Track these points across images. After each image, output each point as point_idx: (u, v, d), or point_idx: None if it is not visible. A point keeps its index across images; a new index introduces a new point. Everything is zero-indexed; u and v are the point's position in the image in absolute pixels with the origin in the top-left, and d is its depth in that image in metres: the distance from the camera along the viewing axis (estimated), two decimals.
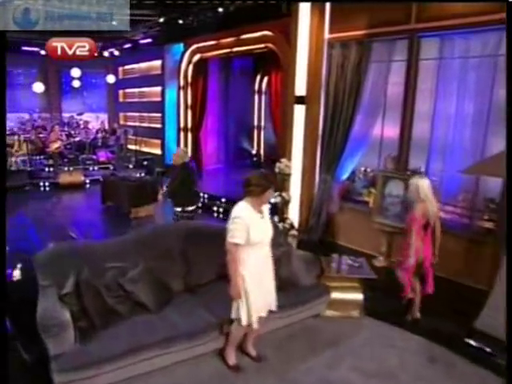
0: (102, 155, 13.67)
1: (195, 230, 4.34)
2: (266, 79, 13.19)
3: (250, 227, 3.16)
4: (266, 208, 3.41)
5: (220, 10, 9.35)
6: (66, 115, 16.61)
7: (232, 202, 8.54)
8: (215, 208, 9.03)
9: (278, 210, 6.69)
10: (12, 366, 3.41)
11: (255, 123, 13.74)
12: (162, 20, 10.91)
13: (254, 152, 13.78)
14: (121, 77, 16.23)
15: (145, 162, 13.20)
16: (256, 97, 13.52)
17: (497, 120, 5.00)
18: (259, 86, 13.42)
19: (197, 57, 11.32)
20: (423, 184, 4.28)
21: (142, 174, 11.95)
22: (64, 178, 11.51)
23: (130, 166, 13.39)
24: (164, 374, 3.38)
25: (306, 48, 6.75)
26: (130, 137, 14.81)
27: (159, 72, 13.27)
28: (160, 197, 6.41)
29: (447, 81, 5.71)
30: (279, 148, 9.38)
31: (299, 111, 6.98)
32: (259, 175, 3.32)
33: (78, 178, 11.72)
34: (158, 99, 13.46)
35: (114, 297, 3.49)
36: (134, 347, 3.15)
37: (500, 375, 3.44)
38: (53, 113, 16.61)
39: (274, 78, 12.38)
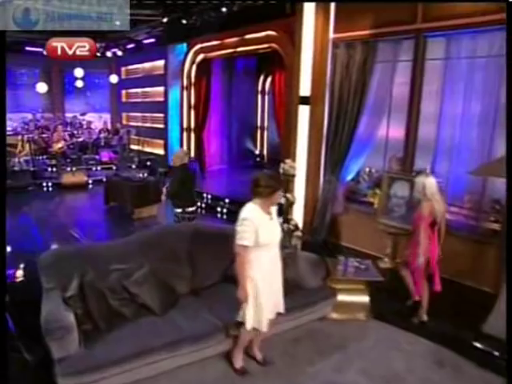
0: (105, 155, 13.66)
1: (200, 231, 4.30)
2: (269, 79, 13.17)
3: (258, 229, 3.12)
4: (274, 209, 3.36)
5: (223, 9, 9.33)
6: (68, 115, 16.62)
7: (235, 202, 8.68)
8: (219, 209, 8.99)
9: (283, 211, 6.65)
10: (15, 367, 3.40)
11: (258, 123, 13.71)
12: (165, 20, 10.90)
13: (257, 152, 13.75)
14: (124, 77, 16.21)
15: (148, 163, 13.19)
16: (259, 97, 13.49)
17: (504, 121, 4.93)
18: (262, 86, 13.40)
19: (200, 57, 11.27)
20: (430, 182, 4.26)
21: (145, 175, 11.93)
22: (67, 179, 11.52)
23: (133, 167, 13.38)
24: (169, 378, 3.35)
25: (310, 48, 6.70)
26: (132, 137, 14.81)
27: (162, 72, 13.24)
28: (163, 197, 6.39)
29: (454, 81, 5.66)
30: (283, 148, 9.34)
31: (303, 111, 6.93)
32: (268, 176, 3.27)
33: (81, 178, 11.72)
34: (161, 99, 13.44)
35: (119, 299, 3.45)
36: (139, 351, 3.11)
37: None
38: (56, 113, 16.62)
39: (277, 78, 12.34)
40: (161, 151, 13.88)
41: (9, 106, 14.79)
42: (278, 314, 3.43)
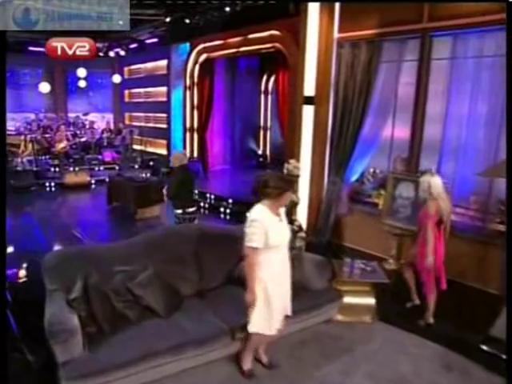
0: (108, 155, 13.64)
1: (205, 232, 4.26)
2: (272, 79, 13.13)
3: (268, 230, 3.07)
4: (282, 210, 3.32)
5: (227, 9, 9.30)
6: (71, 115, 16.62)
7: (238, 203, 8.64)
8: (222, 209, 8.95)
9: (287, 212, 6.60)
10: (17, 368, 3.39)
11: (261, 123, 13.67)
12: (168, 20, 10.88)
13: (260, 152, 13.71)
14: (126, 77, 16.19)
15: (150, 163, 13.16)
16: (262, 97, 13.45)
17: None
18: (265, 86, 13.36)
19: (203, 57, 11.26)
20: (435, 181, 4.23)
21: (148, 175, 11.91)
22: (70, 179, 11.51)
23: (136, 167, 13.35)
24: (174, 381, 3.31)
25: (314, 47, 6.65)
26: (135, 137, 14.79)
27: (165, 72, 13.23)
28: (166, 198, 6.38)
29: (460, 81, 5.60)
30: (286, 148, 9.31)
31: (308, 112, 6.89)
32: (277, 177, 3.23)
33: (84, 178, 11.71)
34: (164, 99, 13.42)
35: (123, 301, 3.41)
36: (143, 354, 3.07)
37: None
38: (58, 113, 16.62)
39: (281, 77, 12.31)
40: (164, 151, 13.87)
41: (12, 105, 14.93)
42: (286, 317, 3.38)
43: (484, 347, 3.94)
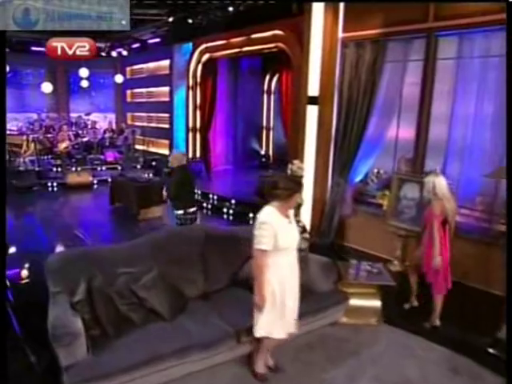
0: (110, 155, 13.62)
1: (210, 234, 4.21)
2: (275, 79, 13.10)
3: (277, 233, 3.03)
4: (291, 212, 3.27)
5: (230, 9, 9.26)
6: (73, 115, 16.61)
7: (241, 203, 8.59)
8: (225, 210, 8.91)
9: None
10: (19, 369, 3.36)
11: (264, 123, 13.63)
12: (170, 19, 10.84)
13: (262, 153, 13.67)
14: (129, 77, 16.17)
15: (153, 163, 13.13)
16: (265, 97, 13.41)
17: None
18: (268, 85, 13.32)
19: (206, 56, 11.22)
20: (440, 181, 4.21)
21: (151, 175, 11.89)
22: (72, 179, 11.48)
23: (138, 167, 13.35)
24: None
25: (319, 47, 6.60)
26: (137, 137, 14.76)
27: (167, 72, 13.19)
28: (165, 199, 6.30)
29: (466, 81, 5.55)
30: (289, 149, 9.26)
31: (312, 112, 6.84)
32: (287, 178, 3.20)
33: (86, 178, 11.69)
34: (167, 99, 13.39)
35: (127, 304, 3.38)
36: (148, 357, 3.03)
37: None
38: (61, 113, 16.62)
39: (284, 77, 12.27)
40: (166, 151, 13.82)
41: (14, 105, 14.95)
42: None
43: (491, 350, 3.89)
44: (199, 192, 9.65)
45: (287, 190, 3.09)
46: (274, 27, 8.74)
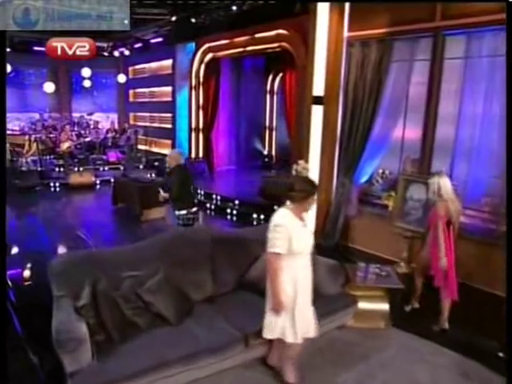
0: (112, 155, 13.58)
1: (216, 236, 4.14)
2: (278, 79, 13.05)
3: (292, 236, 2.95)
4: (306, 215, 3.20)
5: (233, 8, 9.21)
6: (76, 115, 16.60)
7: (245, 204, 8.53)
8: (228, 210, 8.85)
9: None
10: (19, 369, 3.33)
11: (267, 124, 13.58)
12: (173, 19, 10.79)
13: (265, 153, 13.62)
14: (131, 76, 16.13)
15: (155, 163, 13.09)
16: (268, 97, 13.37)
17: None
18: (271, 85, 13.27)
19: (209, 56, 11.17)
20: (444, 182, 4.20)
21: (153, 175, 11.84)
22: (74, 179, 11.44)
23: (141, 167, 13.30)
24: None
25: (324, 47, 6.53)
26: (140, 137, 14.72)
27: (170, 72, 13.16)
28: (161, 199, 6.16)
29: (474, 81, 5.48)
30: (293, 149, 9.21)
31: (317, 112, 6.77)
32: (303, 179, 3.13)
33: (89, 178, 11.64)
34: (169, 99, 13.35)
35: (132, 308, 3.31)
36: (154, 364, 2.95)
37: None
38: (63, 113, 16.61)
39: (287, 77, 12.22)
40: (168, 151, 13.76)
41: (16, 105, 14.94)
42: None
43: (501, 355, 3.82)
44: (202, 192, 9.62)
45: (303, 191, 3.02)
46: (278, 27, 8.69)
